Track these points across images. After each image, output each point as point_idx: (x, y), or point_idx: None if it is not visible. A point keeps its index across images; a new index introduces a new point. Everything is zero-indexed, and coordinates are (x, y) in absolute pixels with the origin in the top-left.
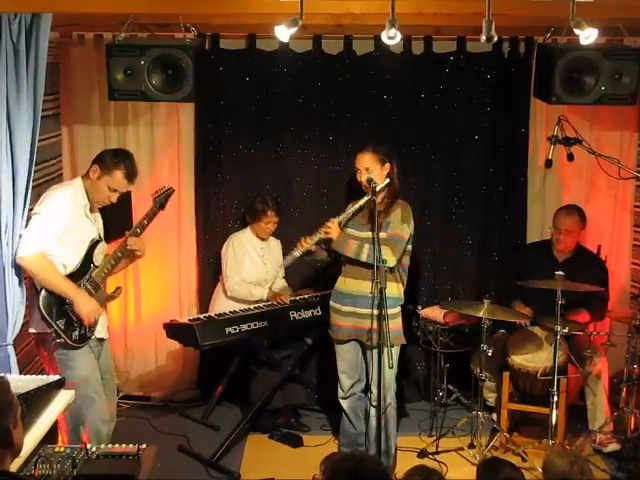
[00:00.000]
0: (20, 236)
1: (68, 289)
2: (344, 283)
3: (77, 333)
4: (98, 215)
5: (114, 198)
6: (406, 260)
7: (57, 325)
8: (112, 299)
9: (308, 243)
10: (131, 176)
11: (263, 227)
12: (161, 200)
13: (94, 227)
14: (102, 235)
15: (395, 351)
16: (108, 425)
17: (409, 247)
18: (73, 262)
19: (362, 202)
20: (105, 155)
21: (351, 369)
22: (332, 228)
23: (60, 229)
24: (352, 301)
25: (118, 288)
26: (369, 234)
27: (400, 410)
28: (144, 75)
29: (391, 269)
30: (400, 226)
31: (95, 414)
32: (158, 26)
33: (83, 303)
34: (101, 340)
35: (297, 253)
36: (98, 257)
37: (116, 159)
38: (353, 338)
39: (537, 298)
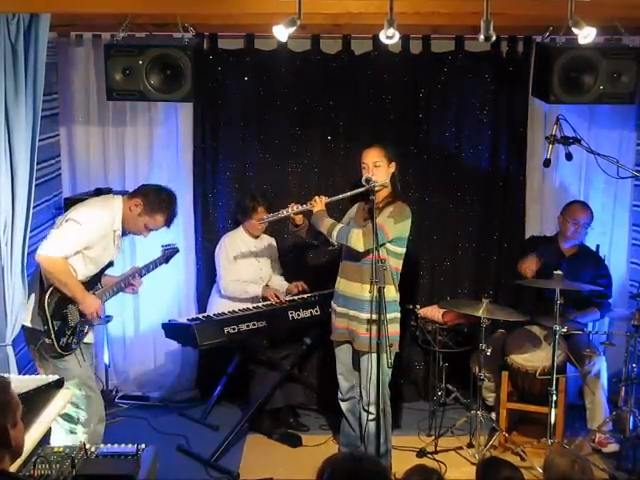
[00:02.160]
0: (26, 232)
1: (77, 290)
2: (339, 283)
3: (65, 340)
4: (121, 240)
5: (146, 234)
6: (398, 263)
7: (52, 325)
8: (100, 324)
9: (293, 209)
10: (171, 222)
11: (254, 224)
12: (168, 255)
13: (115, 251)
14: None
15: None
16: (103, 424)
17: (401, 250)
18: (82, 274)
19: (355, 191)
20: (150, 193)
21: (348, 371)
22: (317, 202)
23: (86, 244)
24: (344, 302)
25: (109, 316)
26: None
27: (399, 409)
28: (142, 75)
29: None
30: (386, 219)
31: (92, 413)
32: (156, 26)
33: (89, 302)
34: (88, 344)
35: (281, 214)
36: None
37: (162, 204)
38: (347, 340)
39: (540, 294)
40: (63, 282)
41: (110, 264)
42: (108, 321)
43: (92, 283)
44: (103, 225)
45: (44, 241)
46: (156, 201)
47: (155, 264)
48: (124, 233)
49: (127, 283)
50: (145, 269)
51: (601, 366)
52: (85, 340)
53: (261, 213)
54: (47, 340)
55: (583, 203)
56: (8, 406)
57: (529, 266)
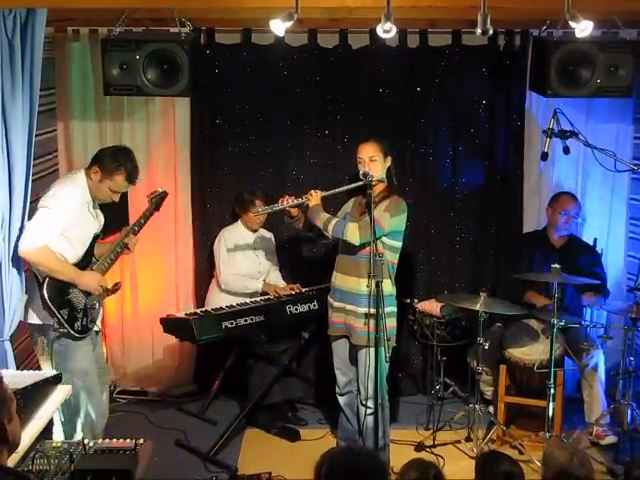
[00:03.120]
0: (22, 227)
1: (70, 272)
2: (335, 277)
3: (79, 324)
4: (99, 210)
5: (116, 197)
6: (394, 257)
7: (61, 314)
8: (112, 293)
9: (288, 202)
10: (132, 178)
11: (253, 218)
12: (156, 202)
13: (96, 222)
14: (101, 230)
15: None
16: (103, 419)
17: (397, 243)
18: (73, 255)
19: (352, 186)
20: (105, 157)
21: (345, 366)
22: (313, 196)
23: (65, 225)
24: (341, 296)
25: (117, 283)
26: None
27: (397, 404)
28: (139, 70)
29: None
30: (382, 213)
31: (93, 407)
32: (153, 21)
33: (88, 279)
34: (96, 332)
35: (275, 207)
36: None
37: (116, 162)
38: (344, 334)
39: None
40: (53, 269)
41: (97, 237)
42: (116, 289)
43: (85, 260)
44: (73, 201)
45: (22, 236)
46: (112, 163)
47: (145, 216)
48: (98, 204)
49: (122, 246)
50: (137, 225)
51: (599, 359)
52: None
53: (259, 207)
54: (62, 330)
55: (571, 194)
56: (3, 400)
57: (536, 299)
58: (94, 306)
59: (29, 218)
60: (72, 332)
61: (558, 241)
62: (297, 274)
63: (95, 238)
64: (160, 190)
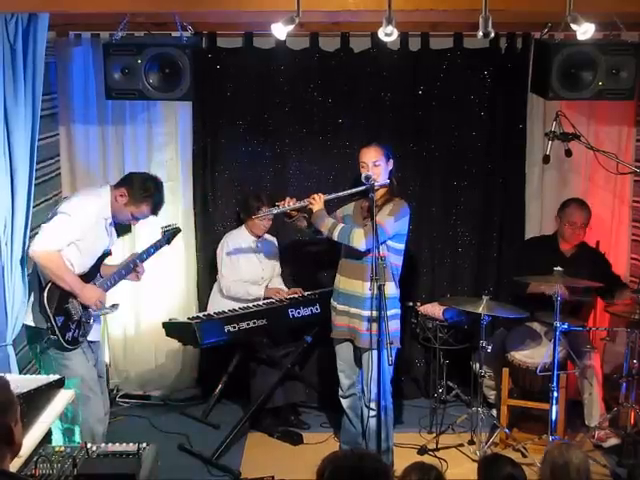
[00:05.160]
0: (25, 231)
1: (74, 283)
2: (339, 281)
3: (71, 335)
4: (114, 229)
5: (135, 224)
6: (398, 259)
7: (55, 321)
8: (107, 313)
9: (290, 205)
10: (157, 209)
11: (258, 224)
12: (168, 236)
13: (108, 239)
14: (112, 248)
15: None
16: (103, 424)
17: (400, 246)
18: (80, 266)
19: (355, 189)
20: (136, 183)
21: (349, 368)
22: (317, 200)
23: (79, 235)
24: (345, 300)
25: (115, 304)
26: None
27: (400, 407)
28: (141, 74)
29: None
30: (385, 217)
31: (90, 413)
32: (154, 25)
33: (88, 293)
34: (95, 342)
35: (276, 210)
36: (102, 267)
37: (146, 192)
38: (348, 337)
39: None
40: (59, 276)
41: (107, 254)
42: (114, 309)
43: (91, 274)
44: (93, 214)
45: (36, 237)
46: (141, 191)
47: (156, 247)
48: (114, 222)
49: (128, 270)
50: (145, 254)
51: (595, 363)
52: (91, 338)
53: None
54: (52, 337)
55: (580, 202)
56: (10, 404)
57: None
58: (89, 320)
59: (45, 222)
60: (62, 341)
61: (568, 250)
62: (299, 278)
63: (104, 255)
64: (175, 225)
